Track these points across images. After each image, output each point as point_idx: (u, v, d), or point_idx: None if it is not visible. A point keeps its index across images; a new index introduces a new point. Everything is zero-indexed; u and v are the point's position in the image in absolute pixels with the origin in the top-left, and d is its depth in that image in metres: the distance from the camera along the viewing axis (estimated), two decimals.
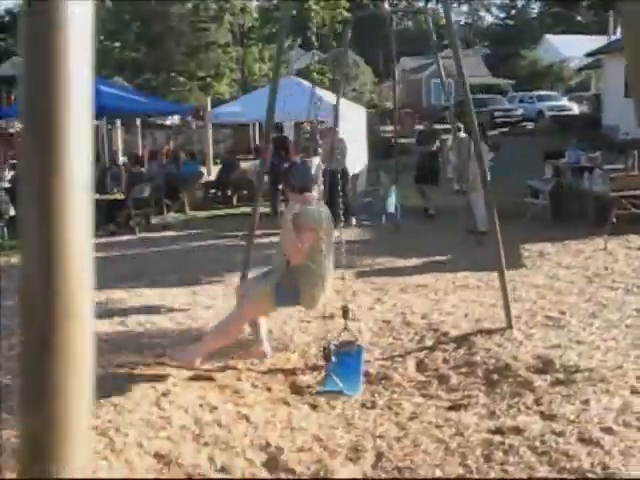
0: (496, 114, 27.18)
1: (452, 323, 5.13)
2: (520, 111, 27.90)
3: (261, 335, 4.46)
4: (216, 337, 4.31)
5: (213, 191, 13.66)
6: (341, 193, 4.85)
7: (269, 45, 25.68)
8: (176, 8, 25.95)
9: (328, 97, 14.38)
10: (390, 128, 21.25)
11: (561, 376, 3.98)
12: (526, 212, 9.58)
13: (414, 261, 7.56)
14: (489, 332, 4.83)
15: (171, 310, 5.79)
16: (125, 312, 5.83)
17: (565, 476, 2.89)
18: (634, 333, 4.69)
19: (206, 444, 3.41)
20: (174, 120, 24.86)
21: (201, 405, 3.86)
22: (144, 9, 24.98)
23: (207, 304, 6.01)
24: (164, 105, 16.49)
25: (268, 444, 3.38)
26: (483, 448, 3.20)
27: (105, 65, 24.79)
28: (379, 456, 3.25)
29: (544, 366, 4.14)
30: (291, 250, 4.06)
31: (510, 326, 4.84)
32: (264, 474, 3.16)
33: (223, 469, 3.19)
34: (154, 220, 11.24)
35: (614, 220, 7.78)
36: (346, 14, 15.93)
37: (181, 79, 25.98)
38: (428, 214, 10.39)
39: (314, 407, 3.93)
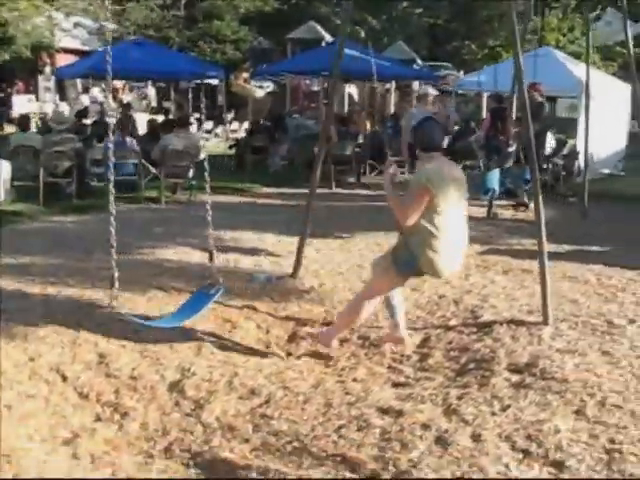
0: None
1: (499, 309, 4.69)
2: None
3: (397, 319, 4.14)
4: (347, 316, 4.10)
5: None
6: None
7: (572, 14, 23.71)
8: None
9: (580, 71, 13.03)
10: None
11: (528, 380, 3.50)
12: None
13: (563, 247, 6.74)
14: (519, 324, 4.34)
15: (271, 254, 6.30)
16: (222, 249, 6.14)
17: None
18: None
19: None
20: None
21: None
22: None
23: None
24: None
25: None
26: (342, 420, 3.13)
27: (405, 30, 25.93)
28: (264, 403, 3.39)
29: (525, 367, 3.67)
30: (397, 213, 3.78)
31: (546, 322, 4.27)
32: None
33: None
34: (363, 179, 11.70)
35: None
36: None
37: (473, 47, 25.73)
38: None
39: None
